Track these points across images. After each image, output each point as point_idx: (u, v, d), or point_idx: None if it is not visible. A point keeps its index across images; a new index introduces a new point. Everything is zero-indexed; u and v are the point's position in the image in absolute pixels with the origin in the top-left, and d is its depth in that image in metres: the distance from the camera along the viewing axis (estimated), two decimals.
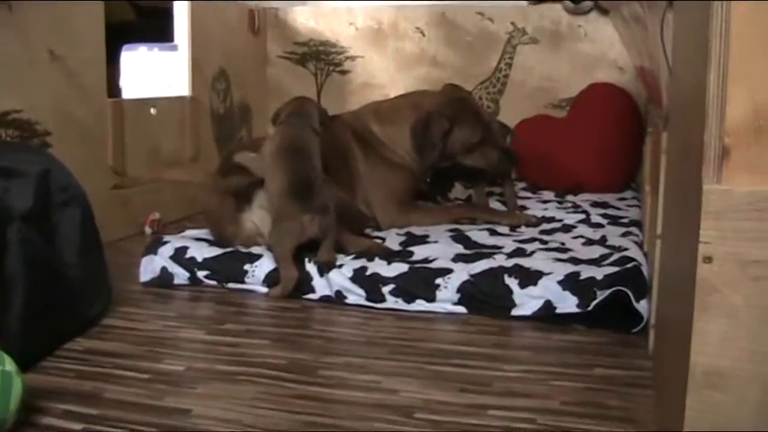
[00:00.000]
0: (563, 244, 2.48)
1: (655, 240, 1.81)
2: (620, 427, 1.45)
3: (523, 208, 3.07)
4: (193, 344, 1.92)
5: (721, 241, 0.98)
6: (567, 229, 2.73)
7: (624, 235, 2.53)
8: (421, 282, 2.13)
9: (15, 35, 2.44)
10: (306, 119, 2.47)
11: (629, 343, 1.89)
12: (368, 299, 2.15)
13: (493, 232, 2.68)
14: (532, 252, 2.36)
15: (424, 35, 4.07)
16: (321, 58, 4.22)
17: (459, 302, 2.11)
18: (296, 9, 4.24)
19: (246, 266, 2.30)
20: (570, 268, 2.12)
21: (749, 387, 0.99)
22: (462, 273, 2.13)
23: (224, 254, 2.36)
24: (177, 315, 2.13)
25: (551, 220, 2.88)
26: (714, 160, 0.98)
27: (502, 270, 2.13)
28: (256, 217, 2.42)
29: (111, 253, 2.35)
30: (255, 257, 2.32)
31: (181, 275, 2.35)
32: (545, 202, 3.26)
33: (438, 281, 2.12)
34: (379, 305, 2.14)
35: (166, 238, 2.46)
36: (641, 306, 1.93)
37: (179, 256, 2.36)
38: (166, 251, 2.37)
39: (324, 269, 2.22)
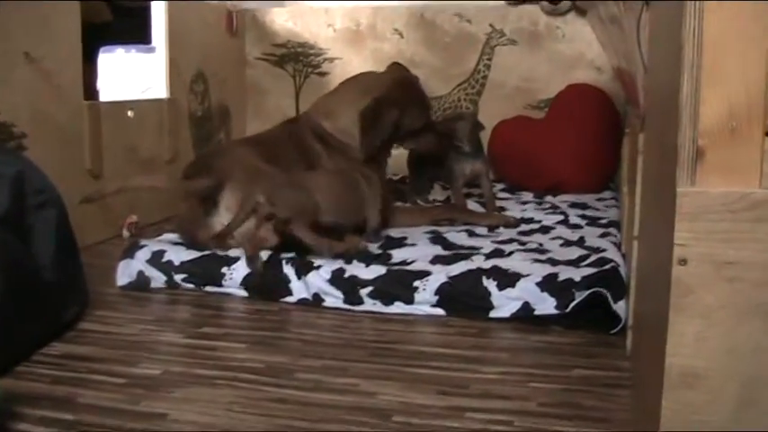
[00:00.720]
0: (541, 245, 2.48)
1: (632, 241, 1.82)
2: (598, 427, 1.45)
3: (502, 209, 3.07)
4: (170, 347, 1.91)
5: (696, 243, 0.98)
6: (545, 230, 2.73)
7: (602, 236, 2.54)
8: (399, 284, 2.13)
9: None
10: None
11: (608, 344, 1.89)
12: (346, 301, 2.15)
13: (471, 233, 2.68)
14: (511, 253, 2.36)
15: (402, 36, 4.07)
16: (299, 59, 4.21)
17: (437, 304, 2.10)
18: (274, 10, 4.24)
19: (224, 269, 2.28)
20: (548, 269, 2.12)
21: (724, 387, 1.00)
22: (440, 275, 2.13)
23: (201, 257, 2.34)
24: (154, 318, 2.12)
25: (530, 221, 2.88)
26: (688, 162, 0.98)
27: (480, 272, 2.13)
28: (225, 219, 2.40)
29: (89, 256, 2.33)
30: (233, 260, 2.30)
31: (158, 279, 2.33)
32: (524, 203, 3.27)
33: (416, 283, 2.12)
34: (357, 307, 2.14)
35: (144, 241, 2.44)
36: (619, 307, 1.93)
37: (156, 259, 2.34)
38: (143, 255, 2.36)
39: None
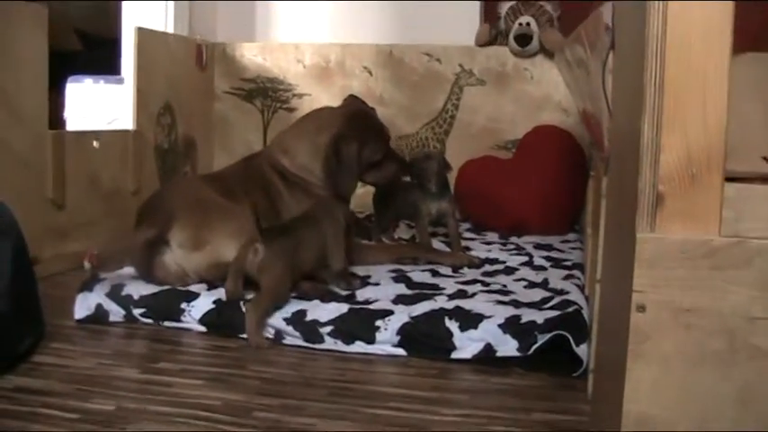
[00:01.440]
0: (505, 286, 2.48)
1: (595, 284, 1.82)
2: None
3: (467, 248, 3.07)
4: (126, 382, 1.88)
5: (654, 289, 0.98)
6: (509, 271, 2.72)
7: (566, 278, 2.54)
8: (361, 323, 2.11)
9: None
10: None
11: (569, 387, 1.88)
12: (306, 340, 2.12)
13: (435, 273, 2.67)
14: (474, 294, 2.35)
15: (371, 74, 4.08)
16: (268, 94, 4.21)
17: (398, 344, 2.08)
18: (244, 45, 4.24)
19: (183, 305, 2.26)
20: (511, 311, 2.11)
21: None
22: (403, 314, 2.12)
23: (161, 291, 2.32)
24: (111, 353, 2.08)
25: (494, 261, 2.88)
26: (648, 208, 0.99)
27: (443, 312, 2.11)
28: (178, 257, 2.39)
29: (47, 287, 2.30)
30: (193, 296, 2.28)
31: (116, 312, 2.30)
32: (489, 243, 3.27)
33: (378, 323, 2.10)
34: (317, 346, 2.11)
35: (103, 274, 2.41)
36: (581, 350, 1.93)
37: (115, 292, 2.31)
38: (102, 288, 2.33)
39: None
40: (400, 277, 2.57)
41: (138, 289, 2.33)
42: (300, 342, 2.12)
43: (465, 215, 3.63)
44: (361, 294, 2.34)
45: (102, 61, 3.86)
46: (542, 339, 1.98)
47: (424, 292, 2.38)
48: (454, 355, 2.04)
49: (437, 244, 3.07)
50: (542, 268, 2.76)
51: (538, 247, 3.17)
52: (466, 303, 2.19)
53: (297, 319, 2.14)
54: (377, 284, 2.47)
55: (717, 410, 0.98)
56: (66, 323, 2.28)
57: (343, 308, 2.17)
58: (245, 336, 2.15)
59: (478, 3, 4.11)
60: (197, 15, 4.12)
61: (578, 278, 2.52)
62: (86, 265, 2.93)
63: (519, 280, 2.58)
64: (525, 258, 2.92)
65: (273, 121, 4.20)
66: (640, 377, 0.99)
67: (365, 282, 2.49)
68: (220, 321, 2.21)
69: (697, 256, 0.97)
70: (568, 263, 2.82)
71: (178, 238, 2.38)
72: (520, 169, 3.59)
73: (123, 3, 3.78)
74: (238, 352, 2.10)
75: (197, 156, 4.04)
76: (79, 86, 3.55)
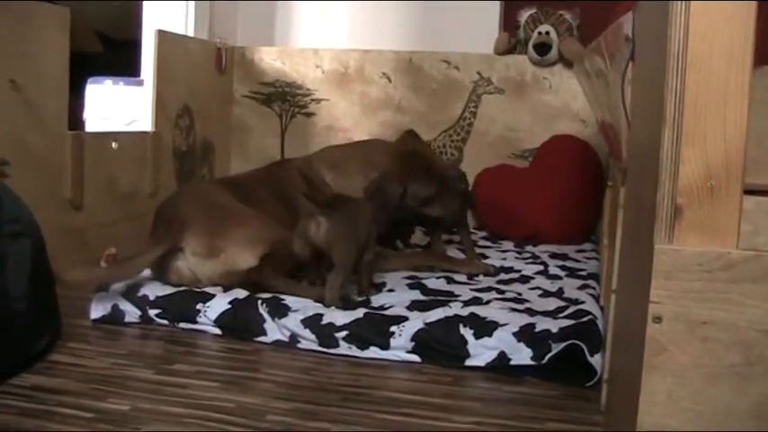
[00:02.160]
0: (520, 295, 2.48)
1: (610, 295, 1.81)
2: None
3: (483, 257, 3.07)
4: (140, 383, 1.88)
5: (671, 301, 0.98)
6: (524, 279, 2.73)
7: (581, 288, 2.53)
8: (375, 329, 2.12)
9: None
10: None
11: (582, 397, 1.88)
12: (321, 344, 2.13)
13: (450, 280, 2.67)
14: (488, 301, 2.36)
15: (390, 81, 4.09)
16: (287, 99, 4.22)
17: (412, 351, 2.09)
18: (263, 49, 4.25)
19: (199, 306, 2.27)
20: (526, 320, 2.11)
21: None
22: (417, 321, 2.12)
23: (176, 292, 2.33)
24: (126, 353, 2.09)
25: (509, 270, 2.88)
26: (666, 219, 0.98)
27: (457, 319, 2.12)
28: (192, 264, 2.41)
29: (64, 287, 2.31)
30: (209, 297, 2.29)
31: (132, 313, 2.31)
32: (504, 251, 3.27)
33: (393, 328, 2.11)
34: (331, 350, 2.12)
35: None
36: (595, 360, 1.93)
37: (131, 293, 2.32)
38: (119, 288, 2.34)
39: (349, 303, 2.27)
40: (415, 284, 2.58)
41: (153, 290, 2.34)
42: (315, 346, 2.13)
43: (481, 223, 3.63)
44: (377, 300, 2.34)
45: (122, 63, 3.88)
46: (556, 348, 1.98)
47: (438, 298, 2.38)
48: (468, 363, 2.04)
49: (452, 252, 3.07)
50: (557, 277, 2.76)
51: (553, 256, 3.17)
52: (480, 311, 2.19)
53: (313, 322, 2.15)
54: (392, 291, 2.47)
55: (732, 425, 0.98)
56: (83, 323, 2.29)
57: (359, 312, 2.17)
58: (260, 339, 2.16)
59: (498, 11, 4.11)
60: (217, 18, 4.14)
61: (593, 288, 2.51)
62: (103, 265, 2.95)
63: (534, 289, 2.58)
64: (540, 267, 2.92)
65: (291, 125, 4.21)
66: (655, 389, 0.99)
67: (380, 288, 2.49)
68: (236, 322, 2.22)
69: (715, 268, 0.97)
70: (584, 272, 2.82)
71: (192, 246, 2.40)
72: (536, 178, 3.59)
73: (144, 5, 3.80)
74: (253, 355, 2.11)
75: (215, 159, 4.05)
76: (99, 88, 3.57)
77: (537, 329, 2.05)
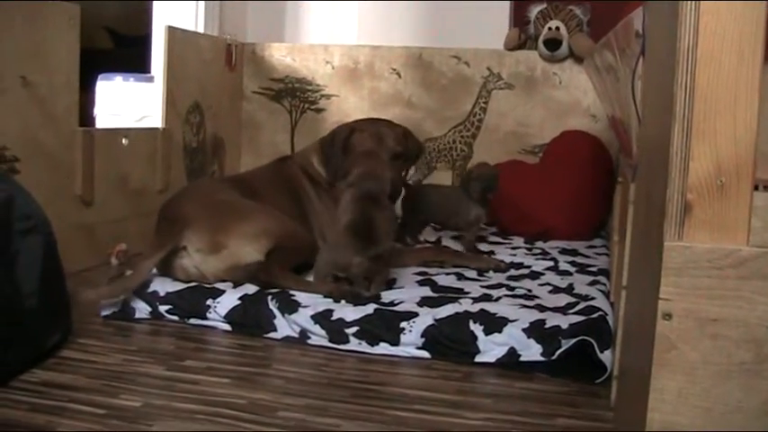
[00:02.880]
0: (530, 291, 2.48)
1: (621, 291, 1.81)
2: None
3: (492, 253, 3.07)
4: (152, 379, 1.89)
5: (681, 298, 0.97)
6: (534, 275, 2.72)
7: (591, 284, 2.53)
8: (385, 325, 2.12)
9: None
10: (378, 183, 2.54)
11: (592, 393, 1.88)
12: (331, 340, 2.13)
13: (461, 276, 2.67)
14: (499, 298, 2.35)
15: (399, 76, 4.09)
16: (296, 95, 4.22)
17: (422, 347, 2.09)
18: (273, 45, 4.25)
19: (209, 302, 2.27)
20: (536, 316, 2.11)
21: None
22: (427, 317, 2.12)
23: (186, 288, 2.33)
24: (137, 349, 2.09)
25: (520, 266, 2.88)
26: (676, 216, 0.98)
27: (467, 315, 2.12)
28: (196, 261, 2.42)
29: (75, 283, 2.31)
30: (219, 293, 2.30)
31: (142, 309, 2.32)
32: (514, 247, 3.26)
33: (403, 324, 2.11)
34: (342, 346, 2.12)
35: (130, 271, 2.43)
36: (605, 356, 1.92)
37: (141, 289, 2.33)
38: None
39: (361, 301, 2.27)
40: (425, 280, 2.58)
41: (163, 286, 2.34)
42: (325, 342, 2.13)
43: (491, 219, 3.62)
44: (387, 296, 2.34)
45: (133, 59, 3.89)
46: (566, 344, 1.98)
47: (448, 295, 2.38)
48: (478, 359, 2.04)
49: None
50: (567, 273, 2.76)
51: (563, 252, 3.16)
52: (491, 307, 2.19)
53: (323, 318, 2.15)
54: (402, 287, 2.47)
55: (742, 421, 0.97)
56: (93, 319, 2.30)
57: (369, 308, 2.18)
58: (270, 335, 2.17)
59: (508, 7, 4.10)
60: (227, 15, 4.14)
61: (603, 284, 2.51)
62: (114, 261, 2.96)
63: (544, 285, 2.58)
64: (550, 263, 2.92)
65: (301, 121, 4.22)
66: (665, 386, 0.99)
67: (390, 284, 2.49)
68: (246, 318, 2.23)
69: (725, 265, 0.97)
70: (594, 268, 2.81)
71: (194, 243, 2.40)
72: (547, 174, 3.59)
73: (154, 2, 3.81)
74: (263, 351, 2.12)
75: (225, 155, 4.06)
76: (109, 84, 3.58)
77: (547, 326, 2.05)
